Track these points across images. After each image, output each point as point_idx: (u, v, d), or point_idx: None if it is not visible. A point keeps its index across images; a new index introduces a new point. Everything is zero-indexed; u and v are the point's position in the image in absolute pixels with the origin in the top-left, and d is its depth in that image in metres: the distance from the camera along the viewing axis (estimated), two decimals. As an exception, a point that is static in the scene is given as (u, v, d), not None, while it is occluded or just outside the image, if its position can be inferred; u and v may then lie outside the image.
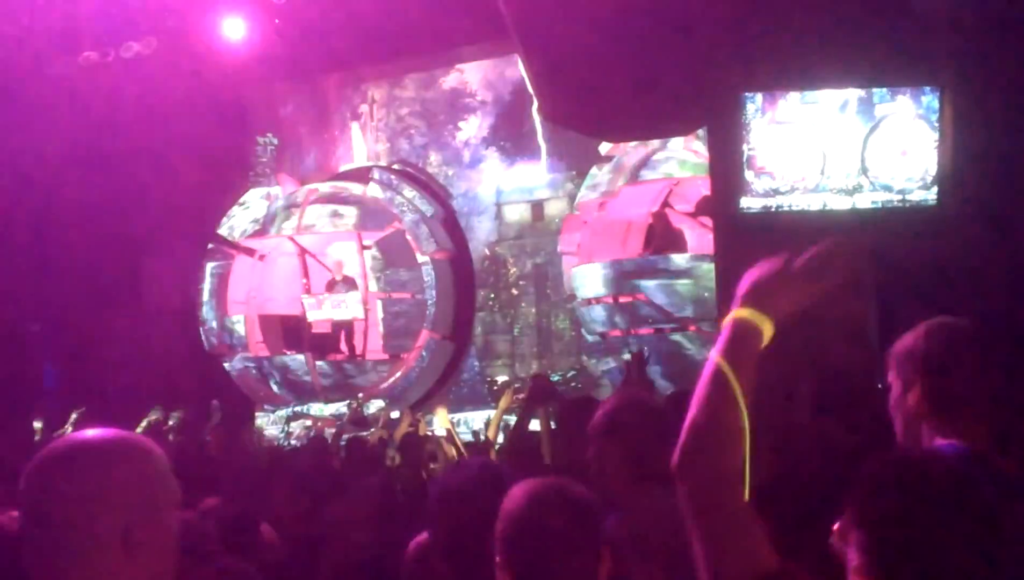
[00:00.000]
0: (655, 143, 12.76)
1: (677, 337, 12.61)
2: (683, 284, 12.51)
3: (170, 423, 11.40)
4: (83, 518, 1.58)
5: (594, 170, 13.65)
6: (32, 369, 15.10)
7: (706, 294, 12.02)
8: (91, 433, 1.68)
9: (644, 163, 13.13)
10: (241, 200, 15.44)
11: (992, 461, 2.04)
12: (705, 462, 1.75)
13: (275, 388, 15.08)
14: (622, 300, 12.94)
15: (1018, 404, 2.13)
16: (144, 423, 11.60)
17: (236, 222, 15.31)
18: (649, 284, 12.70)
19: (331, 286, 14.55)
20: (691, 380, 1.89)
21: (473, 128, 14.91)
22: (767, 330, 1.85)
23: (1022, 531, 1.63)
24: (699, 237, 12.32)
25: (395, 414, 12.42)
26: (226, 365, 15.22)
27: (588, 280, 13.28)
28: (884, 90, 5.87)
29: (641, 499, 2.70)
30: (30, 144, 14.72)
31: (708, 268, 11.36)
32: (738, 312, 1.86)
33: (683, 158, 12.86)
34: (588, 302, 13.31)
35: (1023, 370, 2.26)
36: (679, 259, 12.57)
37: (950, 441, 2.06)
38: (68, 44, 14.13)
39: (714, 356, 1.82)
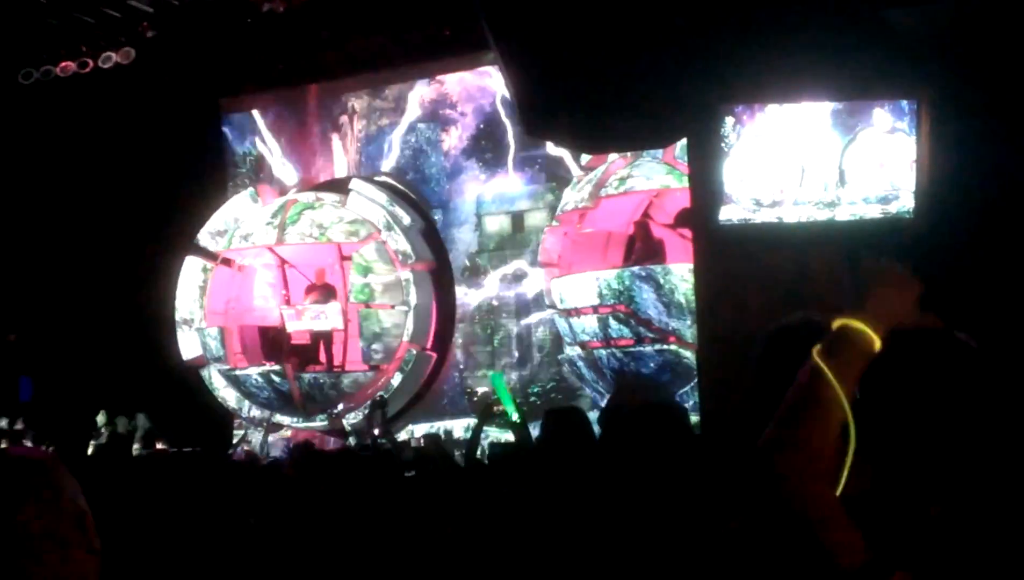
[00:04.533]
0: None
1: (658, 348, 12.64)
2: (663, 296, 12.53)
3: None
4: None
5: (574, 181, 13.67)
6: (9, 381, 14.99)
7: (686, 306, 12.05)
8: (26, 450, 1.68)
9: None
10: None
11: None
12: (802, 460, 1.71)
13: (254, 399, 15.01)
14: (602, 312, 12.95)
15: None
16: (104, 433, 11.56)
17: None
18: (630, 296, 12.72)
19: (309, 291, 14.49)
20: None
21: (453, 139, 14.89)
22: (877, 345, 1.81)
23: None
24: (679, 249, 12.34)
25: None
26: (204, 376, 15.15)
27: (568, 292, 13.29)
28: (861, 103, 5.89)
29: None
30: (5, 153, 14.63)
31: (688, 280, 11.39)
32: (855, 321, 1.82)
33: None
34: (568, 314, 13.31)
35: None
36: (659, 271, 12.59)
37: None
38: (46, 53, 14.07)
39: (819, 359, 1.78)
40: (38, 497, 1.59)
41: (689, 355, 12.13)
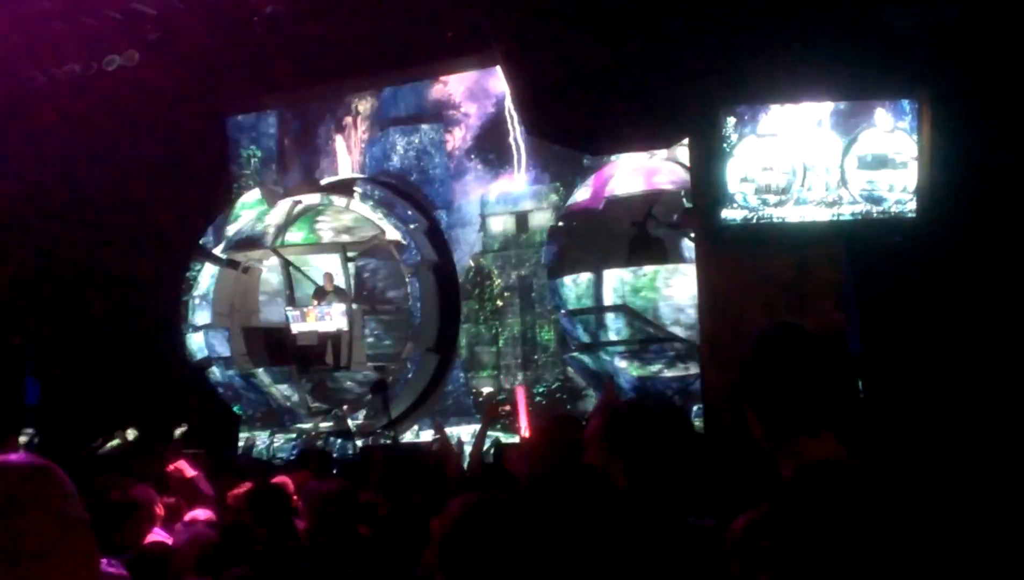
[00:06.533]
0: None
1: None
2: (666, 296, 12.54)
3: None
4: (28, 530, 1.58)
5: (578, 181, 13.69)
6: (15, 384, 15.00)
7: (689, 306, 12.05)
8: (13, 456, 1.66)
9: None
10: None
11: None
12: None
13: (259, 401, 15.04)
14: (606, 312, 12.97)
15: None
16: (115, 442, 11.53)
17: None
18: (633, 296, 12.72)
19: (321, 296, 14.51)
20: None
21: (457, 140, 14.92)
22: None
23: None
24: (681, 249, 12.35)
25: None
26: (210, 378, 15.18)
27: (572, 292, 13.30)
28: (863, 103, 5.91)
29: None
30: (10, 157, 14.66)
31: (691, 280, 11.38)
32: None
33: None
34: (572, 314, 13.32)
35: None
36: (662, 271, 12.60)
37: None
38: (50, 57, 14.09)
39: None
40: (38, 504, 1.61)
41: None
